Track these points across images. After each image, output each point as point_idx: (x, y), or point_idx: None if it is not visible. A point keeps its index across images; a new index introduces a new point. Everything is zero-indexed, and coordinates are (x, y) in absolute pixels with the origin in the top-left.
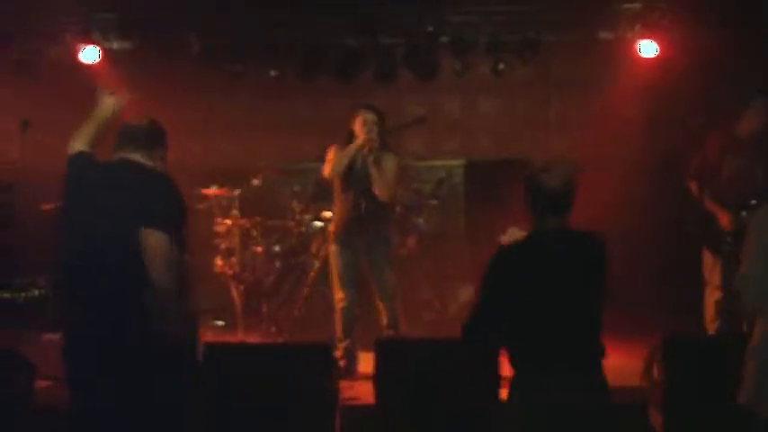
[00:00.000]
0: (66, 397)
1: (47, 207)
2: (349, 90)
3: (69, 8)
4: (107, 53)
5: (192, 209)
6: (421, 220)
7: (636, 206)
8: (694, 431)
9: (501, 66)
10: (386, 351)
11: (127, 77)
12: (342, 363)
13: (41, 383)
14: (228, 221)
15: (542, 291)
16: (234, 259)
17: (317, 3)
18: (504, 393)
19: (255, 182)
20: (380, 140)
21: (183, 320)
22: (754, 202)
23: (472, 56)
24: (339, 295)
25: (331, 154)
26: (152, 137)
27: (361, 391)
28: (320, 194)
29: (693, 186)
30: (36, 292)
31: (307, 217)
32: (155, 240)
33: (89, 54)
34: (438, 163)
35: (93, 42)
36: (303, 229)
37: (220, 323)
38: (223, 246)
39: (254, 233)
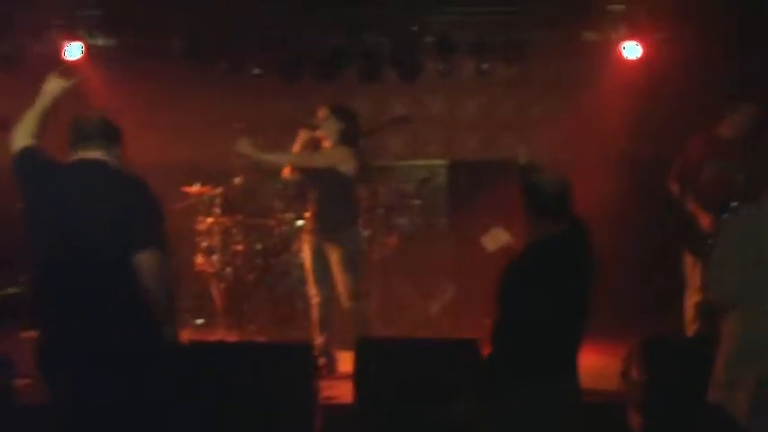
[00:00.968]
0: (46, 394)
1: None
2: (333, 90)
3: (54, 4)
4: (91, 50)
5: (173, 207)
6: (403, 220)
7: (617, 207)
8: None
9: (485, 66)
10: (366, 350)
11: (110, 75)
12: (320, 361)
13: (21, 381)
14: (210, 220)
15: (560, 294)
16: (215, 257)
17: (302, 2)
18: (485, 394)
19: (237, 180)
20: (342, 137)
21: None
22: (734, 204)
23: (456, 56)
24: (312, 291)
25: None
26: (109, 134)
27: (340, 391)
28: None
29: (675, 188)
30: (13, 290)
31: (288, 216)
32: (152, 261)
33: (73, 51)
34: (421, 163)
35: (77, 39)
36: (285, 227)
37: (200, 321)
38: (204, 244)
39: (236, 231)
